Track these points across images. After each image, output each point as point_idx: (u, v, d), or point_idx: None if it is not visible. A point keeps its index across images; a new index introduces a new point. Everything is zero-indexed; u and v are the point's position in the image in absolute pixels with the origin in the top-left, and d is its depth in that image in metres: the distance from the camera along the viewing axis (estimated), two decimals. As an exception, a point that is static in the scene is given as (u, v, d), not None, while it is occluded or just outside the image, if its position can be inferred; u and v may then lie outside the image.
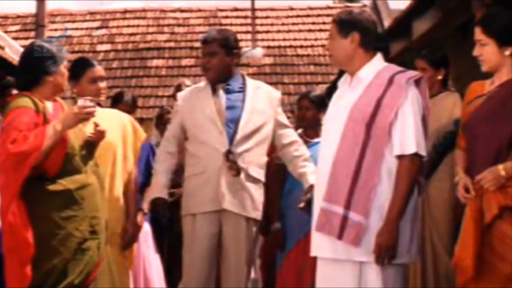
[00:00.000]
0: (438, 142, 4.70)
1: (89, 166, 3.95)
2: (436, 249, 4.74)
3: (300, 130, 5.24)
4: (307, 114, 5.22)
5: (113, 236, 4.32)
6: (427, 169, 4.70)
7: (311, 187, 4.18)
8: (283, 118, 4.60)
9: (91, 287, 3.84)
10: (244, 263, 4.40)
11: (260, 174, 4.48)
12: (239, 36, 18.66)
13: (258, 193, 4.47)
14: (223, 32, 4.60)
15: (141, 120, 13.62)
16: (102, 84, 4.42)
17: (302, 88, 14.05)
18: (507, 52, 3.47)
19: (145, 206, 5.32)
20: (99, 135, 4.00)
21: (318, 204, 3.66)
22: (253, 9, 16.26)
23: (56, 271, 3.73)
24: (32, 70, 3.93)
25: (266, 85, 4.69)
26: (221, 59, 4.42)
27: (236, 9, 17.40)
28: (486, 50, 3.51)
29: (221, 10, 17.40)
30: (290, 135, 4.59)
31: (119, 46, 16.11)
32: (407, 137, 3.54)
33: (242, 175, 4.36)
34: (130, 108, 5.65)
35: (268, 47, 16.15)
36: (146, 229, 5.40)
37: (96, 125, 4.02)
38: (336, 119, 3.68)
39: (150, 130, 6.51)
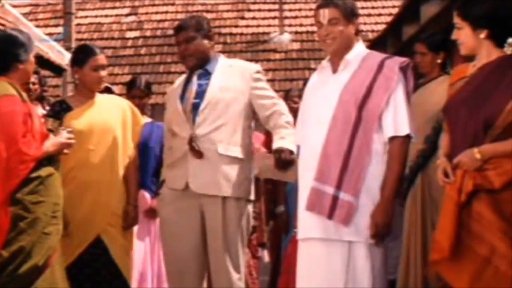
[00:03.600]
0: (438, 124, 4.69)
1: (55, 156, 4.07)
2: (437, 232, 4.76)
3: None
4: None
5: (114, 218, 4.43)
6: (428, 152, 4.76)
7: (276, 150, 4.16)
8: (262, 91, 4.45)
9: (47, 273, 3.91)
10: (227, 243, 4.30)
11: (235, 151, 4.35)
12: (266, 22, 18.51)
13: (234, 171, 4.35)
14: (195, 17, 4.62)
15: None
16: (103, 73, 4.51)
17: (329, 73, 14.00)
18: (482, 35, 3.44)
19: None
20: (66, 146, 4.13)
21: (308, 184, 3.70)
22: (281, -6, 16.29)
23: (23, 252, 3.82)
24: (5, 56, 4.01)
25: (242, 62, 4.68)
26: (199, 44, 4.41)
27: (264, -5, 17.42)
28: (462, 34, 3.50)
29: (249, -4, 17.44)
30: (269, 106, 4.43)
31: (148, 33, 16.25)
32: (400, 119, 3.63)
33: (211, 155, 4.29)
34: (143, 92, 5.61)
35: (296, 32, 16.14)
36: None
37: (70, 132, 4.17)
38: (325, 101, 3.72)
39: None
